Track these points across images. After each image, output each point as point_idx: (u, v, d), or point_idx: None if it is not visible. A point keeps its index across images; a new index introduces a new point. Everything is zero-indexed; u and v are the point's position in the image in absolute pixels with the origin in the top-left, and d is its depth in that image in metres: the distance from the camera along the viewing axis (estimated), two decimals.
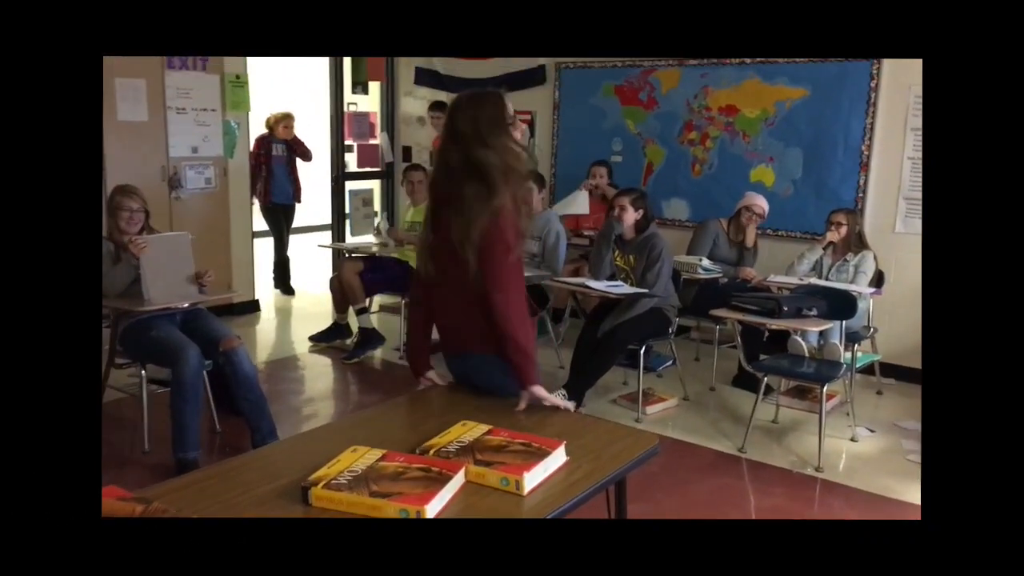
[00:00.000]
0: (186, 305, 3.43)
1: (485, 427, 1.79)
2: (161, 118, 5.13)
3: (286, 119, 6.40)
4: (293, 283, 6.71)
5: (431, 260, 2.10)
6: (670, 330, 4.12)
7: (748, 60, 5.08)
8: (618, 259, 4.12)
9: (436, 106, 6.22)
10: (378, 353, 5.01)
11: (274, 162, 6.35)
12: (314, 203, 7.64)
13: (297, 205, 6.58)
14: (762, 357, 3.97)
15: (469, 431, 1.77)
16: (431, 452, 1.66)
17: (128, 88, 4.95)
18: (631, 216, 4.03)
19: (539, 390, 2.02)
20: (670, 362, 4.24)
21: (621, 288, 3.89)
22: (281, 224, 6.50)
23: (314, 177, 7.28)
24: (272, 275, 6.65)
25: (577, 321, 5.08)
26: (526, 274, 4.25)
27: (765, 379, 3.76)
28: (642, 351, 3.96)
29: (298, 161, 6.52)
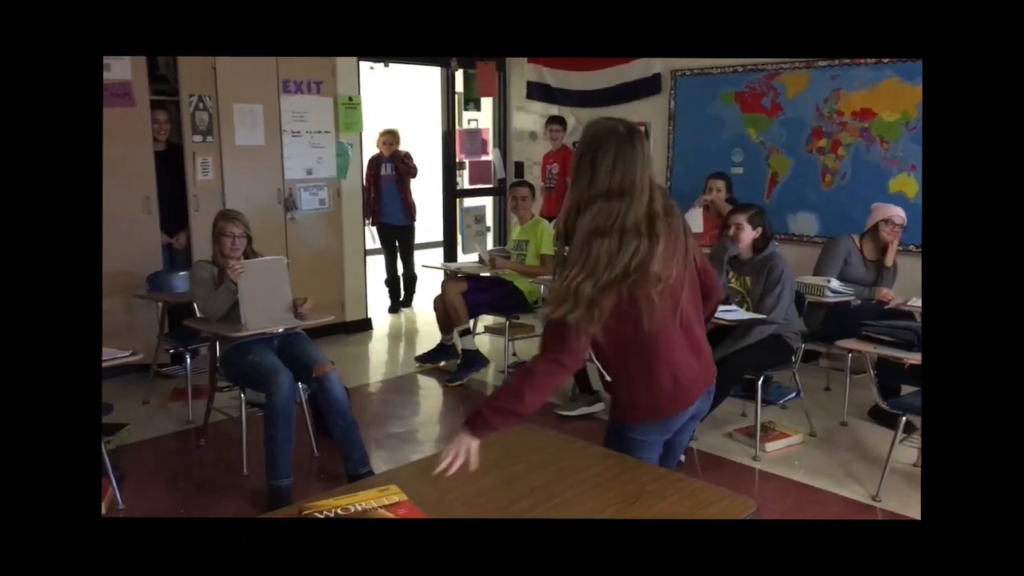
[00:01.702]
0: (281, 330, 3.42)
1: (396, 497, 1.46)
2: (277, 142, 5.27)
3: (386, 136, 6.35)
4: (412, 301, 6.74)
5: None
6: (792, 359, 3.73)
7: (886, 59, 4.59)
8: (733, 281, 3.78)
9: (554, 120, 6.06)
10: (485, 376, 4.89)
11: (383, 182, 6.36)
12: (427, 221, 7.67)
13: (415, 224, 6.55)
14: (904, 390, 3.49)
15: (376, 499, 1.45)
16: (301, 512, 1.42)
17: (246, 114, 5.11)
18: (748, 235, 3.68)
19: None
20: (793, 394, 3.84)
21: (735, 314, 3.56)
22: (393, 244, 6.52)
23: (427, 195, 7.29)
24: (388, 294, 6.69)
25: None
26: None
27: (904, 417, 3.30)
28: (760, 382, 3.60)
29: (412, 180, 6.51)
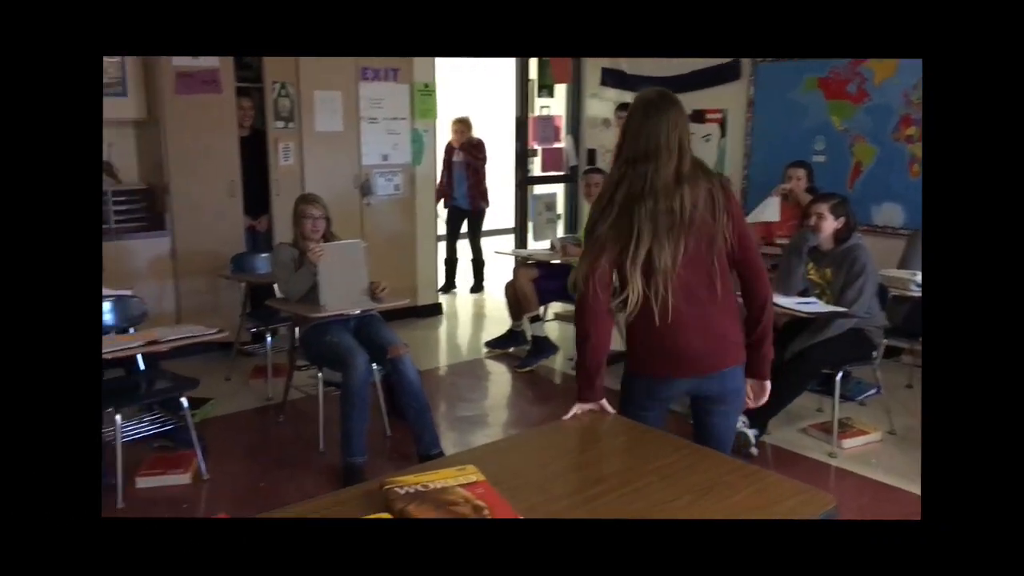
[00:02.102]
0: (358, 312, 3.50)
1: (473, 477, 1.48)
2: (355, 128, 5.37)
3: (458, 124, 6.48)
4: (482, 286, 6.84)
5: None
6: (874, 354, 3.61)
7: None
8: (812, 273, 3.68)
9: (623, 107, 6.01)
10: (554, 363, 4.90)
11: (455, 168, 6.49)
12: (498, 207, 7.71)
13: (485, 209, 6.64)
14: None
15: (453, 477, 1.48)
16: (383, 487, 1.44)
17: (326, 100, 5.23)
18: (830, 225, 3.57)
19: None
20: (873, 391, 3.72)
21: (813, 306, 3.46)
22: (458, 226, 6.62)
23: (499, 181, 7.33)
24: (444, 273, 6.77)
25: None
26: None
27: None
28: (839, 377, 3.50)
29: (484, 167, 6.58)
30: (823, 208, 3.59)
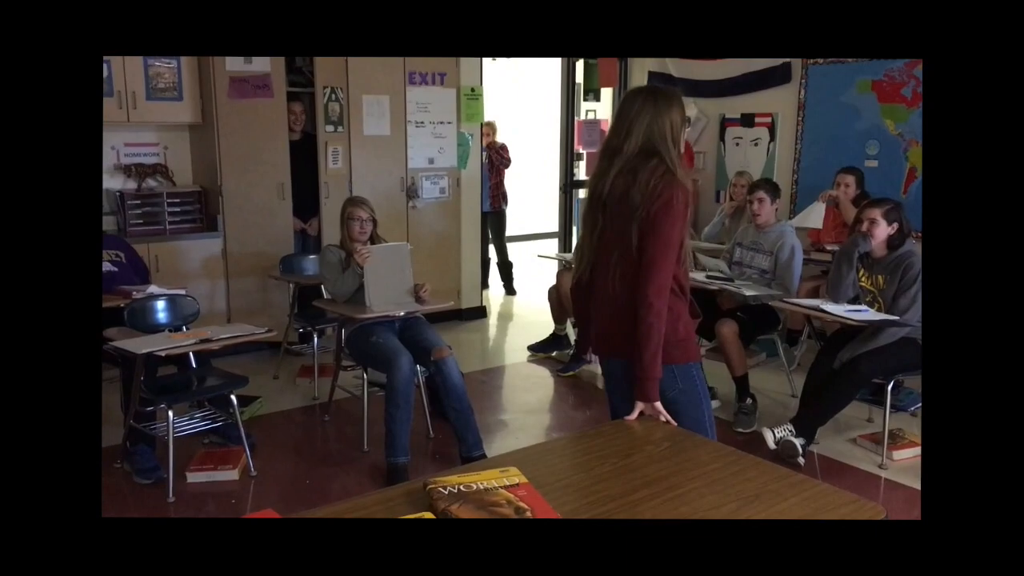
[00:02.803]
0: (402, 313, 3.54)
1: (516, 479, 1.49)
2: (402, 132, 5.43)
3: (484, 127, 6.47)
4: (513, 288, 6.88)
5: None
6: None
7: None
8: (864, 280, 3.59)
9: None
10: (597, 368, 4.87)
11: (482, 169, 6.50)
12: (543, 211, 7.71)
13: (506, 211, 6.72)
14: None
15: (496, 479, 1.48)
16: (426, 487, 1.46)
17: (374, 104, 5.30)
18: (883, 231, 3.49)
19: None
20: None
21: (864, 314, 3.38)
22: (485, 229, 6.64)
23: (543, 185, 7.34)
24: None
25: (816, 344, 4.56)
26: (755, 292, 3.93)
27: None
28: (889, 387, 3.41)
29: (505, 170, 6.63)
30: (876, 213, 3.51)
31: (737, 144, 5.91)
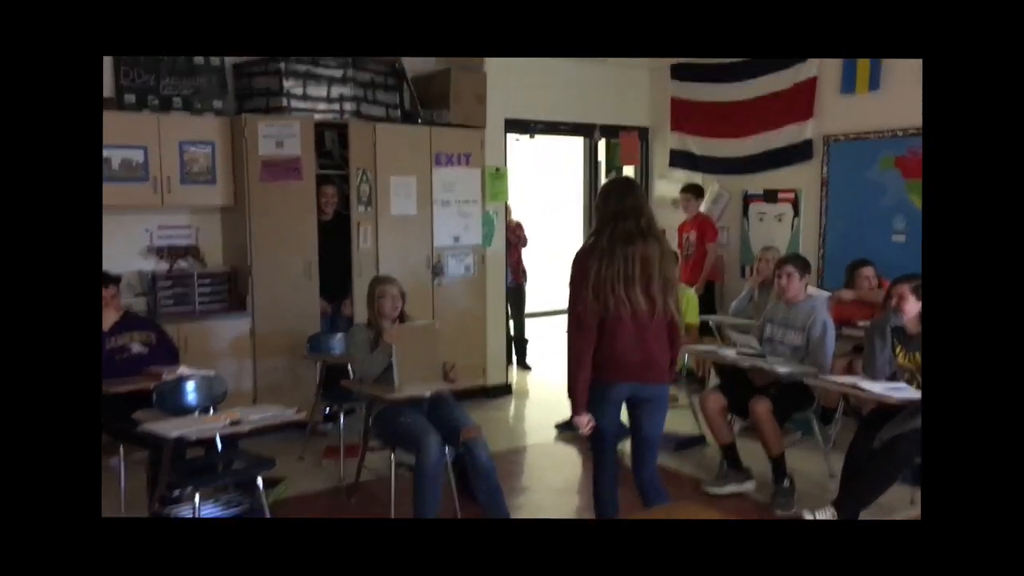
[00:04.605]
0: (428, 394, 3.51)
1: None
2: (428, 211, 5.51)
3: None
4: (531, 363, 6.92)
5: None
6: None
7: None
8: (900, 356, 3.52)
9: (686, 188, 6.07)
10: (625, 446, 4.77)
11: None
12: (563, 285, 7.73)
13: (525, 287, 6.78)
14: None
15: None
16: None
17: (401, 185, 5.39)
18: (913, 307, 3.44)
19: None
20: None
21: (904, 392, 3.30)
22: (505, 305, 6.66)
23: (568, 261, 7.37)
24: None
25: (850, 421, 4.45)
26: (787, 370, 3.86)
27: None
28: None
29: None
30: (904, 289, 3.47)
31: (761, 219, 5.93)
